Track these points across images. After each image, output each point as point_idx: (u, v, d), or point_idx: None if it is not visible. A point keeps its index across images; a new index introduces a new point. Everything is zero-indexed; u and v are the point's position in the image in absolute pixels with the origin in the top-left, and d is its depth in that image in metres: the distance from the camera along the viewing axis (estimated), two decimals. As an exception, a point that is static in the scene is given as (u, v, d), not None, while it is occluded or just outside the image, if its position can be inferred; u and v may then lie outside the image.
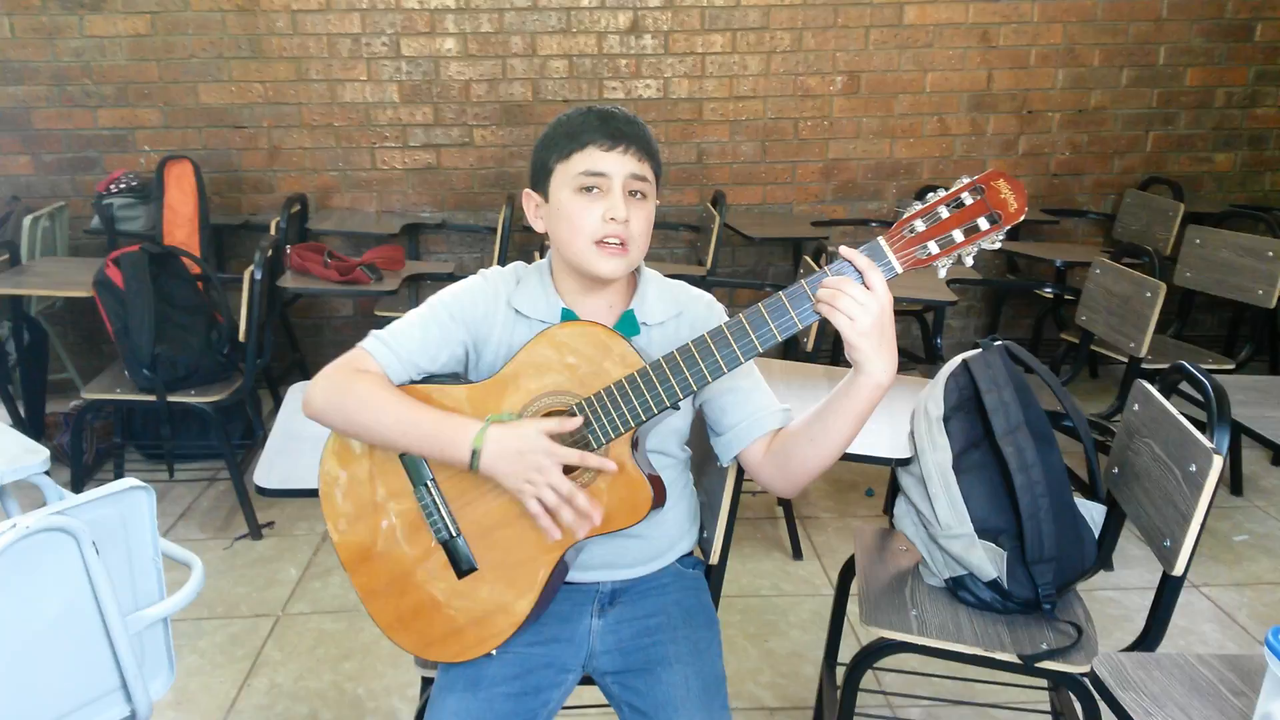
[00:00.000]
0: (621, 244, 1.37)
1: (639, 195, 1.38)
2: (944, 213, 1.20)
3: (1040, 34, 4.38)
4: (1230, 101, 4.53)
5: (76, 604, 1.31)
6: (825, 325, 1.25)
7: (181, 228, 3.97)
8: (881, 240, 1.22)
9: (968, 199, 1.20)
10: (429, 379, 1.42)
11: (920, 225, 1.20)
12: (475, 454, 1.29)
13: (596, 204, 1.36)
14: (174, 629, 1.49)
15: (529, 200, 1.45)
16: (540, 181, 1.42)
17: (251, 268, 3.03)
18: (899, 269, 1.22)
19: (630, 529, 1.37)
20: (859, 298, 1.19)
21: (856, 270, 1.21)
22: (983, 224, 1.19)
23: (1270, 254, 3.17)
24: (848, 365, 1.27)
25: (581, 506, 1.28)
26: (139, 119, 4.28)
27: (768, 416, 1.43)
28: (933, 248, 1.20)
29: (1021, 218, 1.19)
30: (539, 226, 1.45)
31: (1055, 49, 4.41)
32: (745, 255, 4.61)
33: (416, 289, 3.99)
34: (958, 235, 1.20)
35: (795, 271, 4.06)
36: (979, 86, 4.44)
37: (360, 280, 3.43)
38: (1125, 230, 4.37)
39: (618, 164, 1.36)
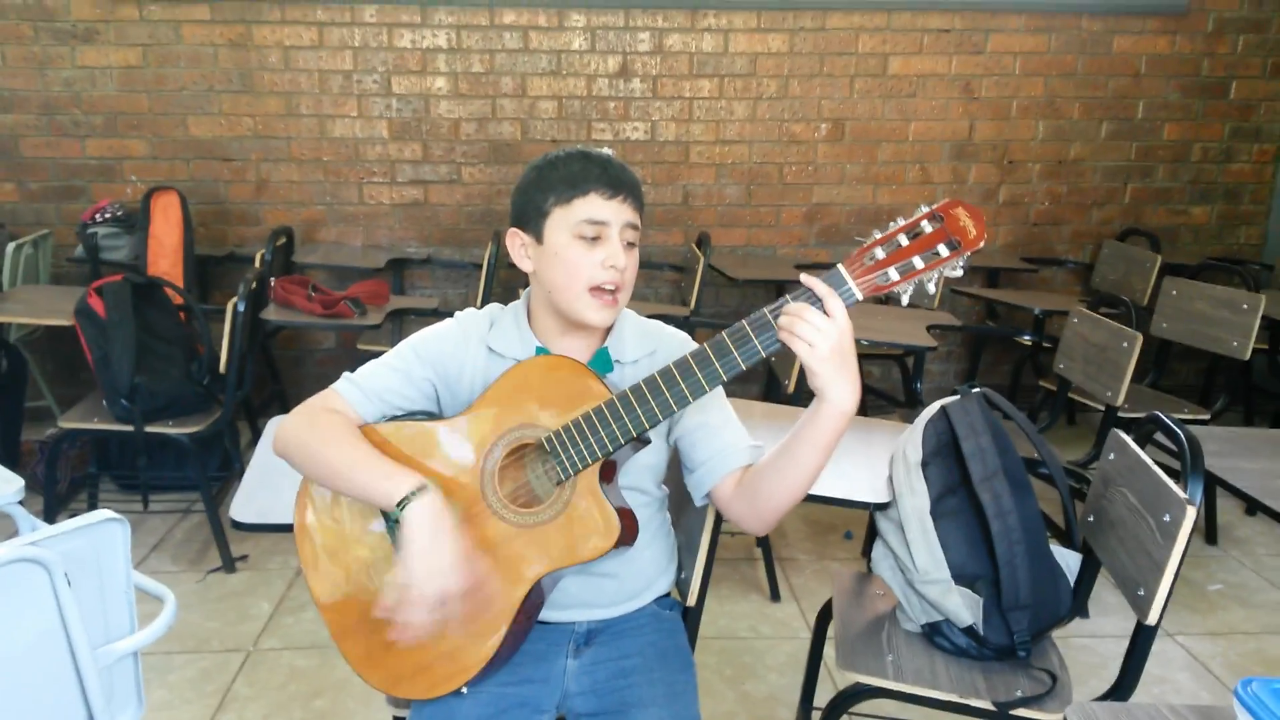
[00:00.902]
0: (614, 292, 1.38)
1: (630, 245, 1.40)
2: (903, 240, 1.21)
3: (1021, 86, 4.47)
4: (1206, 156, 4.62)
5: (46, 636, 1.29)
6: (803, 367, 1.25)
7: (166, 258, 3.97)
8: (841, 267, 1.23)
9: (927, 227, 1.21)
10: (406, 416, 1.44)
11: (880, 253, 1.21)
12: (410, 495, 1.30)
13: (595, 251, 1.37)
14: (143, 662, 1.47)
15: (514, 239, 1.45)
16: (531, 222, 1.41)
17: (235, 299, 3.03)
18: (859, 295, 1.23)
19: (605, 568, 1.37)
20: (817, 324, 1.20)
21: (816, 297, 1.22)
22: (942, 250, 1.20)
23: (1245, 306, 3.22)
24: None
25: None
26: (127, 149, 4.29)
27: (737, 453, 1.43)
28: (893, 274, 1.21)
29: (981, 244, 1.20)
30: (526, 266, 1.45)
31: (1036, 101, 4.49)
32: (729, 296, 4.64)
33: (400, 324, 3.99)
34: (917, 262, 1.20)
35: (778, 314, 4.08)
36: (961, 136, 4.51)
37: (344, 314, 3.43)
38: (1103, 280, 4.43)
39: (617, 213, 1.38)
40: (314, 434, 1.39)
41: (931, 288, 1.23)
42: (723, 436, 1.44)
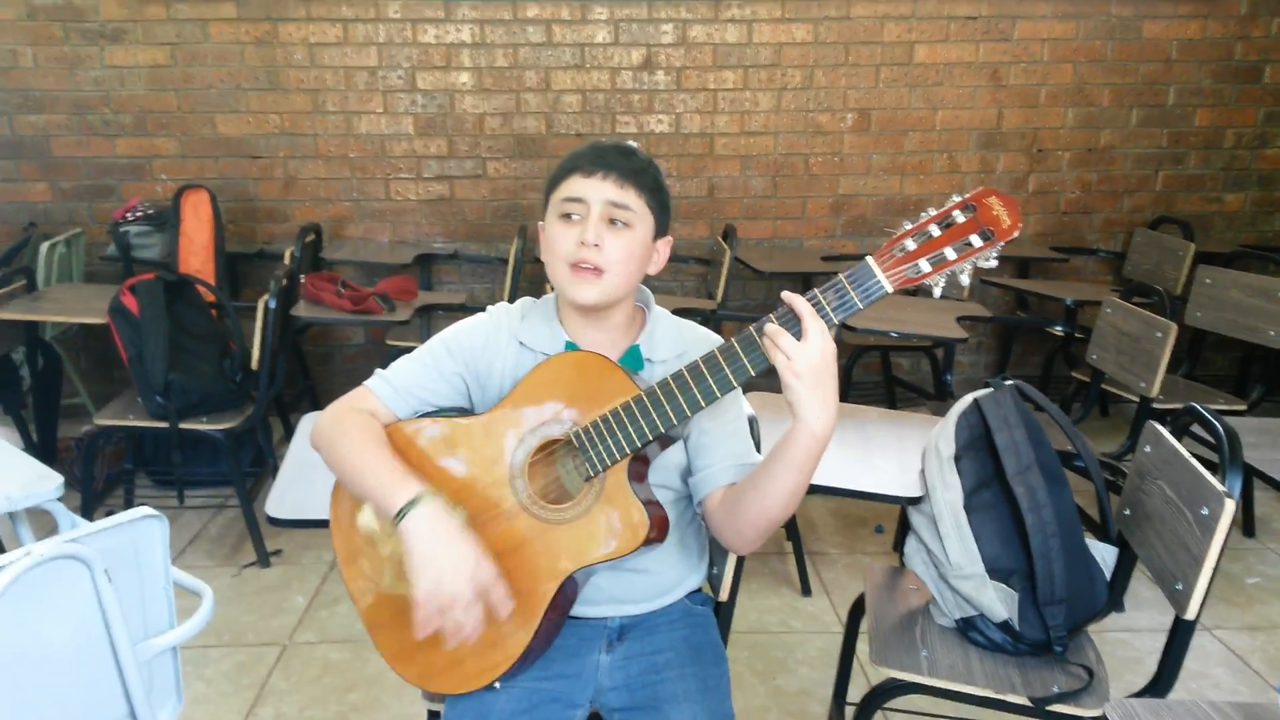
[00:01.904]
0: (594, 270, 1.37)
1: (620, 224, 1.39)
2: (935, 231, 1.19)
3: (1050, 73, 4.41)
4: (1240, 142, 4.55)
5: (87, 632, 1.31)
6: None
7: (197, 256, 4.01)
8: (870, 259, 1.21)
9: (959, 217, 1.19)
10: (437, 412, 1.44)
11: (911, 244, 1.20)
12: (405, 507, 1.29)
13: (573, 229, 1.38)
14: (181, 656, 1.49)
15: (541, 232, 1.48)
16: (543, 213, 1.46)
17: (266, 296, 3.06)
18: (889, 288, 1.21)
19: (637, 564, 1.37)
20: (787, 349, 1.20)
21: (797, 318, 1.21)
22: (975, 241, 1.18)
23: (1280, 295, 3.17)
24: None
25: (469, 625, 1.30)
26: (157, 148, 4.33)
27: (728, 469, 1.41)
28: (924, 266, 1.19)
29: (1015, 234, 1.17)
30: (544, 257, 1.48)
31: (1065, 88, 4.44)
32: (755, 289, 4.62)
33: (429, 319, 4.01)
34: (949, 253, 1.18)
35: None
36: (989, 124, 4.47)
37: (373, 310, 3.45)
38: (1135, 269, 4.37)
39: (595, 189, 1.38)
40: (337, 436, 1.41)
41: (965, 279, 1.21)
42: (723, 447, 1.43)
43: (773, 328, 1.22)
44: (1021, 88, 4.43)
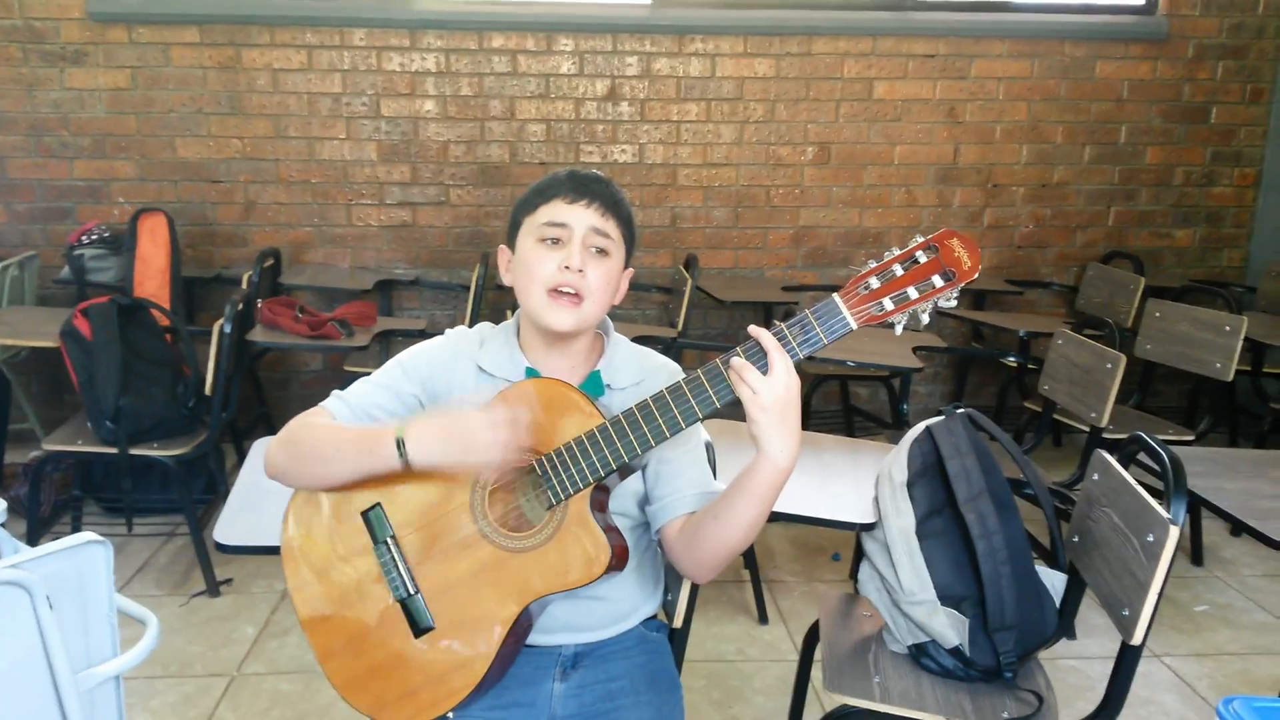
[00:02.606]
0: (575, 295, 1.38)
1: (600, 252, 1.40)
2: (898, 270, 1.22)
3: (1005, 111, 4.52)
4: (1189, 180, 4.67)
5: (27, 659, 1.28)
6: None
7: (153, 279, 3.96)
8: (836, 297, 1.23)
9: (922, 257, 1.22)
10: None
11: (875, 282, 1.22)
12: (400, 443, 1.30)
13: (554, 253, 1.39)
14: (125, 687, 1.46)
15: (502, 256, 1.48)
16: (511, 236, 1.46)
17: (221, 321, 3.02)
18: (854, 325, 1.23)
19: (594, 591, 1.37)
20: (753, 383, 1.21)
21: (763, 352, 1.23)
22: (937, 281, 1.21)
23: (1227, 328, 3.25)
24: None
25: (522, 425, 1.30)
26: (115, 171, 4.28)
27: (688, 498, 1.42)
28: (887, 304, 1.22)
29: (975, 275, 1.21)
30: (507, 280, 1.48)
31: (1020, 125, 4.54)
32: (716, 318, 4.65)
33: (388, 345, 3.98)
34: (912, 292, 1.21)
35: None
36: (945, 160, 4.55)
37: (331, 335, 3.43)
38: (1087, 302, 4.46)
39: (579, 216, 1.39)
40: (301, 436, 1.39)
41: (925, 318, 1.24)
42: (684, 476, 1.43)
43: (739, 361, 1.23)
44: (978, 124, 4.52)
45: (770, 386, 1.21)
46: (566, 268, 1.37)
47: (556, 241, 1.39)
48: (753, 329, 1.24)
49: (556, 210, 1.39)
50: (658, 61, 4.36)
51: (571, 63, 4.34)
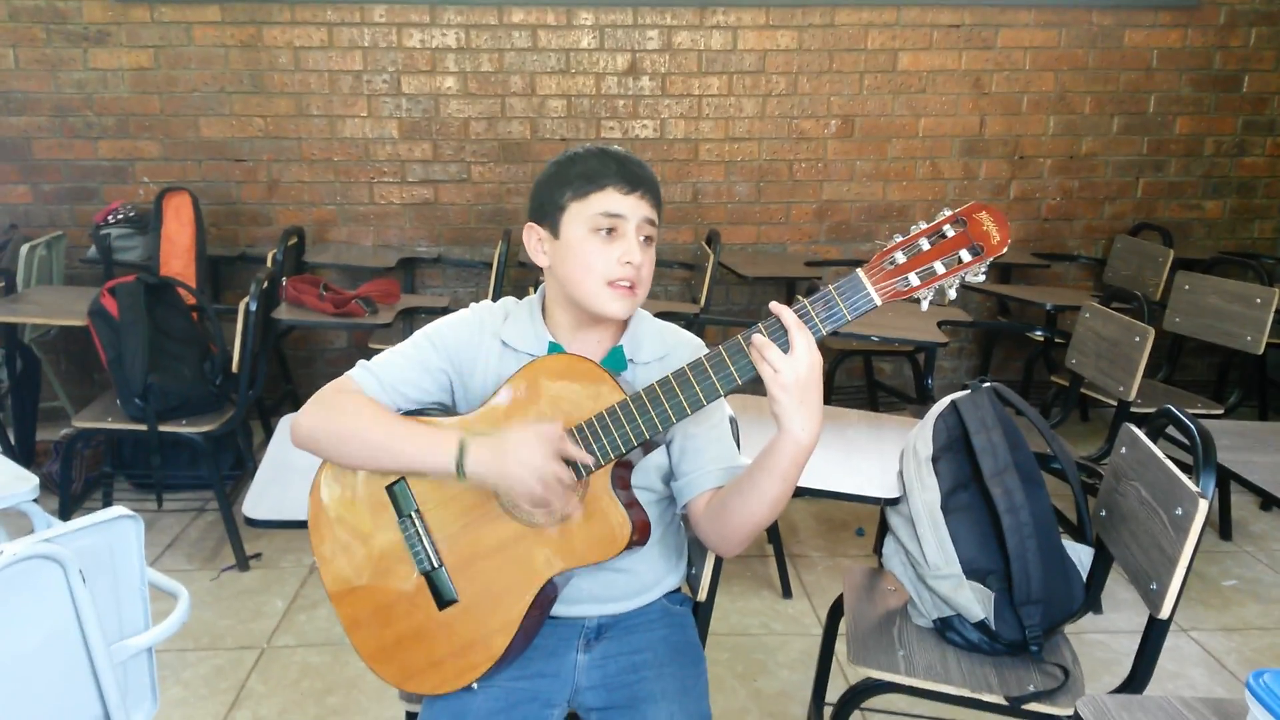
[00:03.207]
0: (631, 286, 1.38)
1: (647, 240, 1.41)
2: (925, 245, 1.19)
3: (1032, 81, 4.45)
4: (1219, 150, 4.59)
5: (61, 632, 1.30)
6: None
7: (178, 259, 3.99)
8: (860, 272, 1.21)
9: (949, 231, 1.19)
10: (417, 412, 1.44)
11: (901, 257, 1.20)
12: (462, 450, 1.30)
13: (611, 246, 1.37)
14: (158, 660, 1.48)
15: (531, 233, 1.45)
16: (548, 216, 1.42)
17: (247, 299, 3.05)
18: (878, 301, 1.21)
19: (617, 564, 1.38)
20: (774, 361, 1.20)
21: (783, 329, 1.21)
22: (965, 256, 1.19)
23: (1258, 300, 3.20)
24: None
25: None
26: (139, 151, 4.31)
27: (713, 473, 1.42)
28: (913, 279, 1.20)
29: (1004, 250, 1.18)
30: (542, 261, 1.45)
31: (1047, 96, 4.47)
32: (739, 294, 4.64)
33: (411, 322, 4.00)
34: (939, 267, 1.19)
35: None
36: (971, 132, 4.50)
37: (355, 313, 3.45)
38: (1115, 275, 4.41)
39: (634, 208, 1.38)
40: (343, 416, 1.39)
41: (952, 293, 1.21)
42: (709, 452, 1.43)
43: (760, 339, 1.22)
44: (1004, 95, 4.46)
45: (792, 365, 1.20)
46: (628, 262, 1.37)
47: (611, 231, 1.38)
48: (774, 305, 1.23)
49: (611, 201, 1.37)
50: (679, 35, 4.33)
51: (592, 37, 4.31)
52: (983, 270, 1.20)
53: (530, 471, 1.28)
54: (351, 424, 1.38)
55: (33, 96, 4.21)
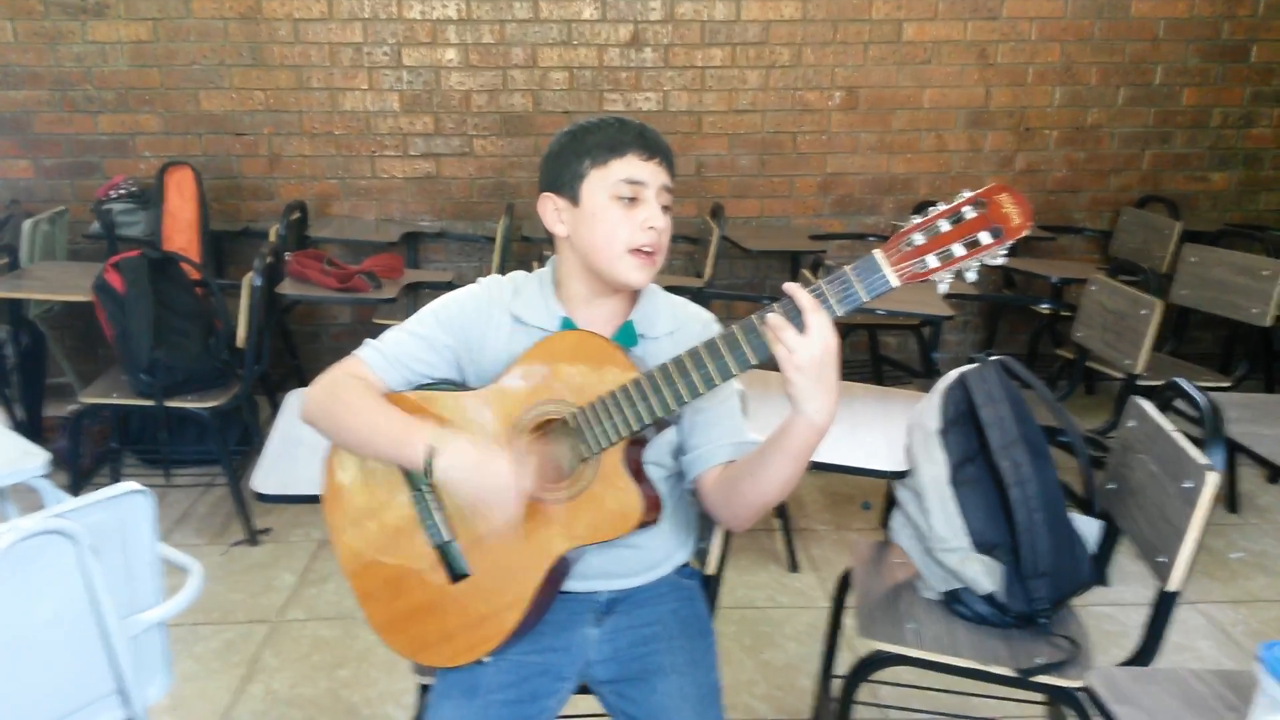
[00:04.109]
0: (652, 254, 1.38)
1: (665, 209, 1.40)
2: (944, 226, 1.17)
3: (1038, 52, 4.41)
4: (1226, 121, 4.56)
5: (74, 607, 1.31)
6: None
7: (181, 233, 3.98)
8: (877, 254, 1.19)
9: (969, 213, 1.16)
10: (429, 386, 1.44)
11: (919, 238, 1.17)
12: (429, 461, 1.31)
13: (634, 212, 1.37)
14: (170, 634, 1.49)
15: (547, 203, 1.43)
16: (566, 185, 1.40)
17: (251, 274, 3.04)
18: (895, 283, 1.19)
19: (628, 540, 1.38)
20: (789, 342, 1.18)
21: (798, 310, 1.19)
22: (984, 238, 1.16)
23: (1265, 272, 3.19)
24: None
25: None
26: (140, 125, 4.29)
27: (723, 448, 1.41)
28: (932, 261, 1.17)
29: (1025, 232, 1.15)
30: (560, 230, 1.43)
31: (1053, 67, 4.43)
32: (743, 267, 4.62)
33: (414, 297, 3.99)
34: (958, 249, 1.16)
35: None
36: (976, 103, 4.46)
37: (359, 288, 3.44)
38: (1122, 248, 4.39)
39: (654, 174, 1.38)
40: (337, 402, 1.40)
41: (970, 275, 1.18)
42: (720, 426, 1.42)
43: (775, 319, 1.19)
44: (1009, 66, 4.42)
45: (807, 346, 1.17)
46: (652, 228, 1.37)
47: (632, 199, 1.37)
48: (788, 286, 1.20)
49: (633, 168, 1.37)
50: (681, 5, 4.28)
51: (594, 8, 4.27)
52: (1003, 253, 1.17)
53: (502, 470, 1.29)
54: (341, 416, 1.39)
55: (32, 70, 4.18)
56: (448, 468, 1.30)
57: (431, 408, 1.41)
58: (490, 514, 1.31)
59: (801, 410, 1.22)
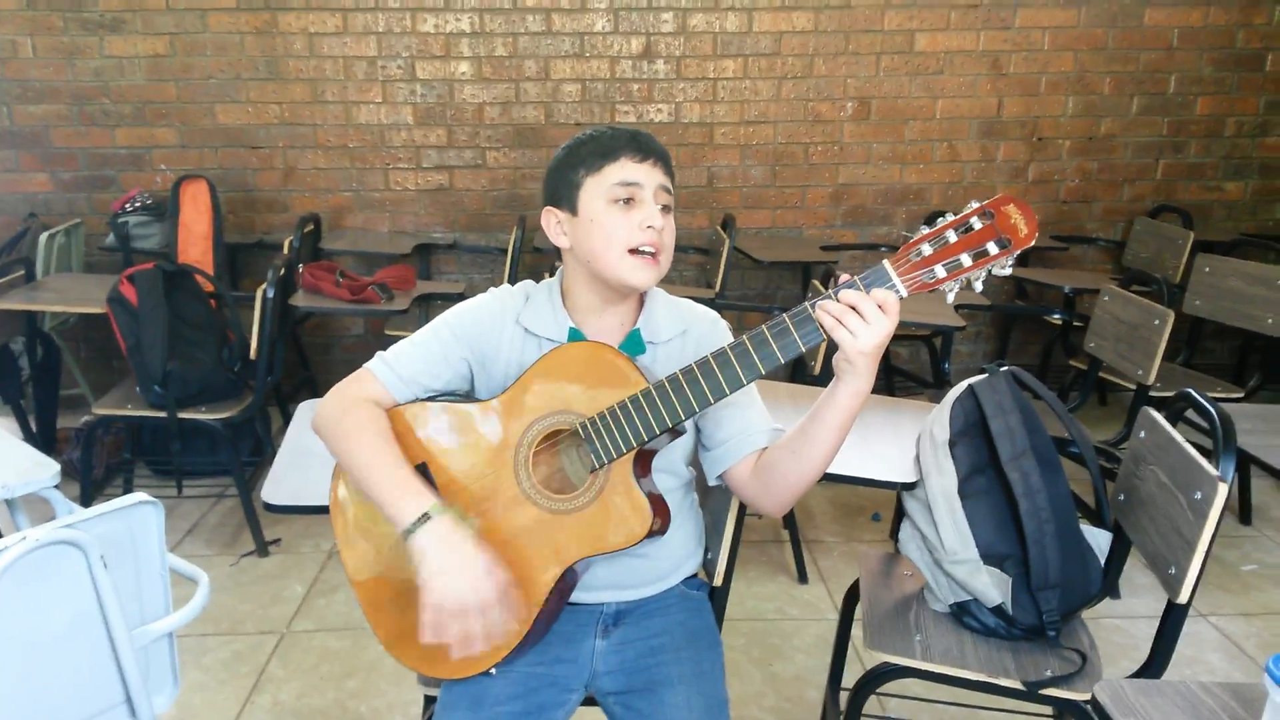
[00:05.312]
0: (654, 254, 1.39)
1: (665, 208, 1.41)
2: (952, 237, 1.18)
3: (1051, 62, 4.40)
4: (1241, 130, 4.54)
5: (83, 617, 1.32)
6: (829, 350, 1.25)
7: (196, 246, 4.01)
8: (887, 263, 1.21)
9: (977, 223, 1.18)
10: (440, 396, 1.44)
11: (927, 249, 1.19)
12: (413, 525, 1.29)
13: (631, 214, 1.38)
14: (179, 644, 1.50)
15: (549, 217, 1.45)
16: (565, 197, 1.42)
17: (264, 286, 3.06)
18: (904, 292, 1.21)
19: (636, 550, 1.38)
20: (870, 317, 1.19)
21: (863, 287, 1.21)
22: (992, 249, 1.17)
23: (1279, 283, 3.16)
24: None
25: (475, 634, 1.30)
26: (156, 138, 4.33)
27: (758, 434, 1.43)
28: (940, 271, 1.19)
29: (1032, 243, 1.17)
30: (562, 242, 1.44)
31: (1065, 77, 4.43)
32: (754, 278, 4.62)
33: (427, 308, 4.01)
34: (965, 259, 1.18)
35: (804, 295, 4.07)
36: (989, 113, 4.46)
37: (371, 299, 3.46)
38: (1135, 258, 4.37)
39: (649, 175, 1.39)
40: (341, 432, 1.39)
41: (978, 285, 1.20)
42: (746, 417, 1.44)
43: (854, 296, 1.20)
44: (1022, 76, 4.42)
45: (873, 330, 1.19)
46: (650, 227, 1.37)
47: (629, 201, 1.38)
48: (845, 278, 1.23)
49: (627, 170, 1.38)
50: (693, 17, 4.30)
51: (606, 20, 4.29)
52: (1009, 263, 1.18)
53: (479, 575, 1.28)
54: (344, 445, 1.39)
55: (51, 85, 4.23)
56: (425, 548, 1.28)
57: (437, 418, 1.41)
58: (429, 596, 1.28)
59: (848, 383, 1.25)
